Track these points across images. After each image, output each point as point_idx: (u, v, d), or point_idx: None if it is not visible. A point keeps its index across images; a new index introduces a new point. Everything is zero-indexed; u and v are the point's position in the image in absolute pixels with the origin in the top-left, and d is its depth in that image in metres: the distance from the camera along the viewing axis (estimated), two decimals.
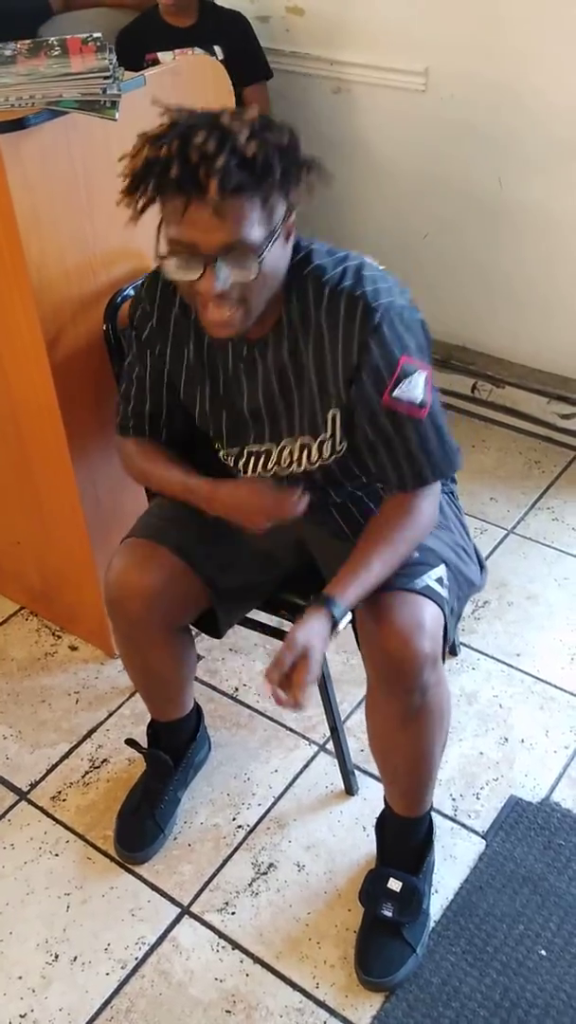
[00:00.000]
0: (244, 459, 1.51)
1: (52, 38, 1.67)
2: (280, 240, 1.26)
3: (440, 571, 1.43)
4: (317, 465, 1.46)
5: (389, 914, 1.55)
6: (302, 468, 1.47)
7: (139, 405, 1.53)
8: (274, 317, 1.37)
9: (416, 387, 1.35)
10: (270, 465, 1.49)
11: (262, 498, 1.42)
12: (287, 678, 1.28)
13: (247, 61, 2.69)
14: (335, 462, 1.46)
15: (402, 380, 1.34)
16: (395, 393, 1.34)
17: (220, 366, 1.44)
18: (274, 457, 1.48)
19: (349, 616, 1.37)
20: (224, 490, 1.45)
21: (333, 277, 1.34)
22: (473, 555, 1.57)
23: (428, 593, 1.38)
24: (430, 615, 1.37)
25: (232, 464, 1.53)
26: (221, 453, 1.54)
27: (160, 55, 2.65)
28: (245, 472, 1.52)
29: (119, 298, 1.74)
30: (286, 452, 1.46)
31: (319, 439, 1.43)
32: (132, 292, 1.76)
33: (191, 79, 1.81)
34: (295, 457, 1.46)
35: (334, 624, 1.33)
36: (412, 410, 1.35)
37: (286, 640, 1.30)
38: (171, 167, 1.16)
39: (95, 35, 1.66)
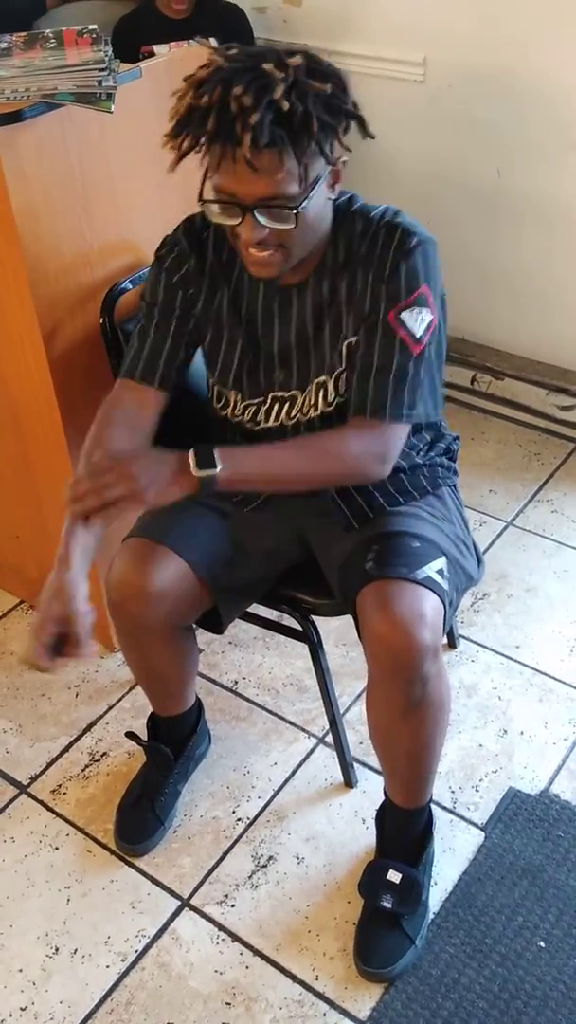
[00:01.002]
0: (267, 405, 1.49)
1: (48, 30, 1.66)
2: (322, 188, 1.28)
3: (441, 562, 1.42)
4: (334, 405, 1.46)
5: (388, 905, 1.55)
6: (319, 412, 1.47)
7: (157, 344, 1.47)
8: (316, 260, 1.38)
9: (421, 321, 1.37)
10: (293, 412, 1.49)
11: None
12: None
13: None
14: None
15: (413, 307, 1.36)
16: (402, 315, 1.36)
17: (254, 310, 1.44)
18: (298, 403, 1.48)
19: (214, 472, 1.29)
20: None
21: (377, 212, 1.39)
22: (472, 549, 1.57)
23: (429, 584, 1.38)
24: (431, 606, 1.36)
25: (251, 416, 1.51)
26: (237, 408, 1.51)
27: (156, 48, 2.64)
28: (267, 420, 1.50)
29: (116, 291, 1.74)
30: (308, 399, 1.47)
31: (335, 373, 1.44)
32: (130, 285, 1.76)
33: (187, 69, 1.79)
34: (313, 400, 1.47)
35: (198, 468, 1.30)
36: (407, 339, 1.37)
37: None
38: (209, 118, 1.17)
39: (90, 27, 1.65)
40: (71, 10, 2.91)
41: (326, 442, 1.41)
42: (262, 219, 1.24)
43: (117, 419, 1.46)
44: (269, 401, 1.49)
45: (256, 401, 1.50)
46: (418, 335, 1.37)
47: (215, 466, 1.30)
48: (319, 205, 1.29)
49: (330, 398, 1.46)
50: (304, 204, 1.24)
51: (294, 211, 1.23)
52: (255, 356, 1.47)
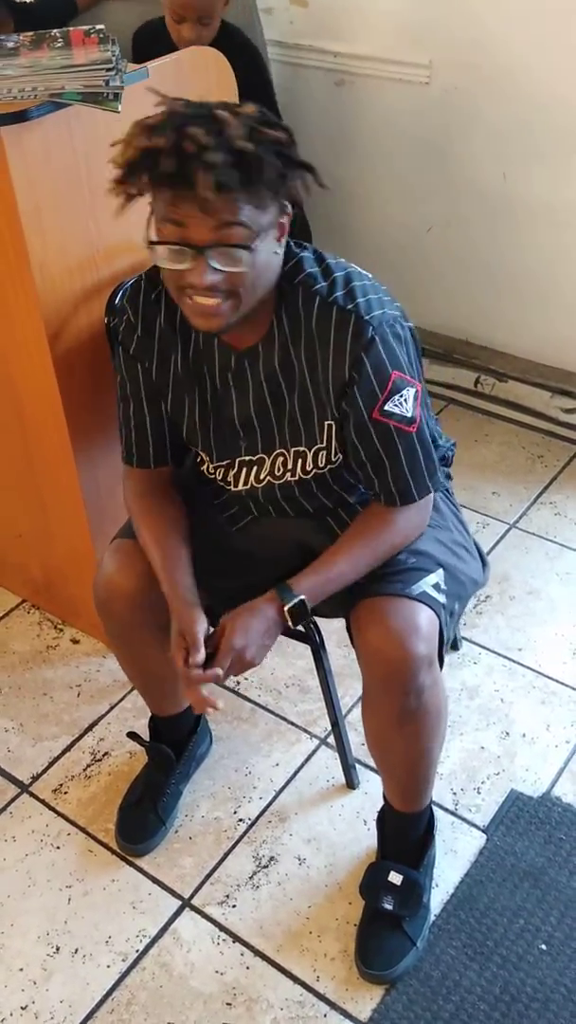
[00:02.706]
0: (236, 470, 1.49)
1: (55, 30, 1.66)
2: (272, 237, 1.25)
3: (437, 576, 1.42)
4: (312, 474, 1.46)
5: (390, 907, 1.55)
6: (296, 477, 1.47)
7: (140, 428, 1.50)
8: (264, 326, 1.36)
9: (406, 402, 1.36)
10: (262, 475, 1.48)
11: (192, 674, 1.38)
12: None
13: (247, 93, 2.62)
14: (330, 472, 1.46)
15: (393, 395, 1.34)
16: (386, 407, 1.35)
17: (208, 377, 1.43)
18: (267, 467, 1.47)
19: (305, 619, 1.41)
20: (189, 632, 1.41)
21: (323, 288, 1.33)
22: (474, 551, 1.57)
23: (424, 599, 1.38)
24: (425, 618, 1.37)
25: (221, 476, 1.52)
26: (209, 467, 1.53)
27: None
28: (235, 484, 1.50)
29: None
30: (279, 461, 1.46)
31: (314, 448, 1.43)
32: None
33: (193, 70, 1.80)
34: (289, 466, 1.46)
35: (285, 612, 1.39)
36: (401, 425, 1.36)
37: (224, 638, 1.36)
38: (163, 159, 1.15)
39: (98, 27, 1.65)
40: (105, 10, 2.88)
41: (380, 541, 1.43)
42: (214, 262, 1.20)
43: (151, 503, 1.52)
44: (236, 466, 1.49)
45: (223, 464, 1.50)
46: (409, 415, 1.36)
47: (307, 615, 1.40)
48: (268, 253, 1.26)
49: (308, 468, 1.45)
50: (255, 247, 1.21)
51: (248, 251, 1.20)
52: (218, 421, 1.45)
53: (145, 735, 1.84)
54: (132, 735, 1.83)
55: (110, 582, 1.52)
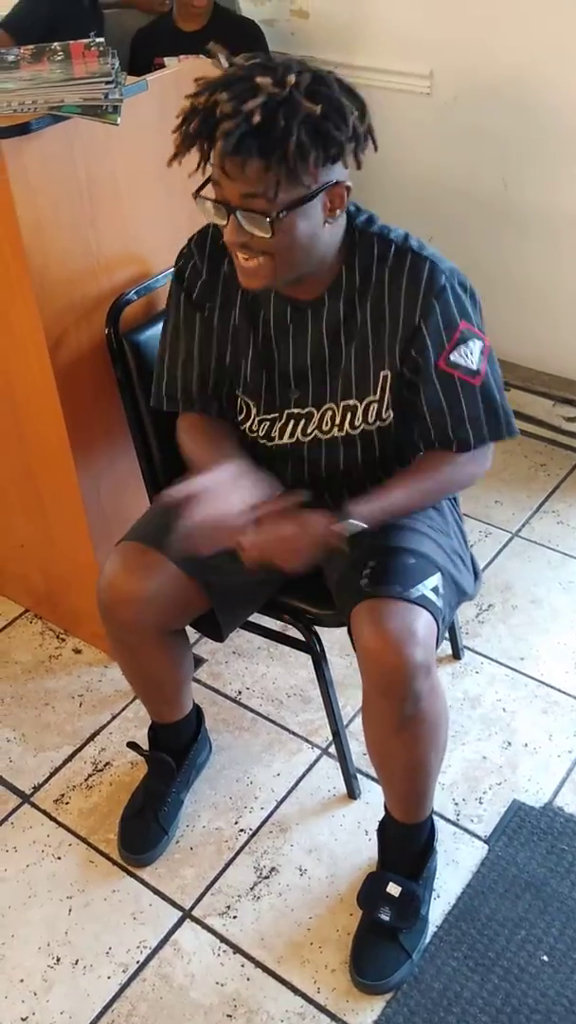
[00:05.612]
0: (283, 422, 1.49)
1: (56, 43, 1.67)
2: (316, 209, 1.27)
3: (436, 579, 1.42)
4: (359, 430, 1.46)
5: (387, 918, 1.55)
6: (343, 433, 1.47)
7: (187, 374, 1.50)
8: (330, 279, 1.38)
9: (472, 354, 1.38)
10: (310, 429, 1.48)
11: (298, 536, 1.36)
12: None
13: None
14: (378, 431, 1.46)
15: (460, 345, 1.37)
16: (452, 357, 1.37)
17: (266, 325, 1.44)
18: (315, 421, 1.48)
19: (361, 526, 1.37)
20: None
21: (399, 236, 1.38)
22: (469, 563, 1.56)
23: (423, 603, 1.38)
24: (423, 624, 1.36)
25: (266, 432, 1.51)
26: (254, 422, 1.51)
27: (167, 60, 2.66)
28: (281, 437, 1.50)
29: (122, 302, 1.74)
30: (328, 415, 1.46)
31: (366, 401, 1.44)
32: (135, 296, 1.77)
33: (192, 83, 1.80)
34: (337, 421, 1.46)
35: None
36: (466, 377, 1.38)
37: (287, 520, 1.34)
38: (193, 120, 1.22)
39: (98, 40, 1.66)
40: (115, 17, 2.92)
41: (438, 474, 1.45)
42: (243, 222, 1.25)
43: (214, 436, 1.51)
44: (284, 418, 1.49)
45: (271, 417, 1.50)
46: (474, 368, 1.39)
47: (352, 522, 1.36)
48: (309, 225, 1.27)
49: (357, 423, 1.46)
50: (280, 216, 1.23)
51: (269, 220, 1.23)
52: (270, 371, 1.46)
53: (145, 745, 1.83)
54: (132, 745, 1.83)
55: (113, 585, 1.52)
